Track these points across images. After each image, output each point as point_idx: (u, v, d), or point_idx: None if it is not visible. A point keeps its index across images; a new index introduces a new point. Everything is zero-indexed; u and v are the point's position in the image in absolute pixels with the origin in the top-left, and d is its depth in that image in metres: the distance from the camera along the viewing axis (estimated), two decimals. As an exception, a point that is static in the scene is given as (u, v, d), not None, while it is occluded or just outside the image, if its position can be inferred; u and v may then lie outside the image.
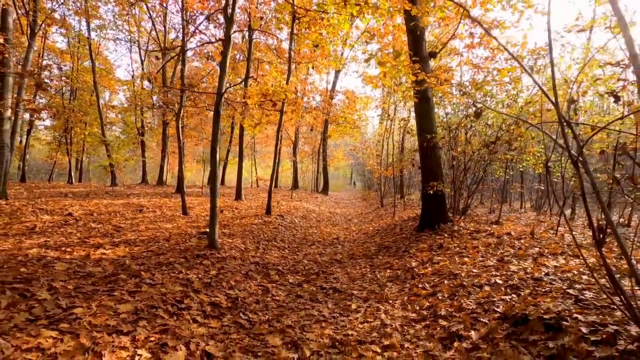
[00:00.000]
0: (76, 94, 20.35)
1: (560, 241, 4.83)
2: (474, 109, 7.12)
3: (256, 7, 10.98)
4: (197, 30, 7.75)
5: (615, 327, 2.21)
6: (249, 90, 7.49)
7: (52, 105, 18.21)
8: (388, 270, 4.85)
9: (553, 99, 2.09)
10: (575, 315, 2.50)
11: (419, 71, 4.52)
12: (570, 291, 2.97)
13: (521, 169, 10.12)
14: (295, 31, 9.82)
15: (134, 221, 6.92)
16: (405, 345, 2.68)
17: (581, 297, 2.82)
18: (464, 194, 8.18)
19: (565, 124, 2.10)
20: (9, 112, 8.33)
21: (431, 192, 6.75)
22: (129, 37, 20.70)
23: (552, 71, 2.21)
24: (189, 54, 16.19)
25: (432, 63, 8.75)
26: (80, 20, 18.90)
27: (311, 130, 22.51)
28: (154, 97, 18.04)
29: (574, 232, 3.05)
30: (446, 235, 6.13)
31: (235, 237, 5.80)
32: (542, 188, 10.08)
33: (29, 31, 14.46)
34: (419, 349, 2.61)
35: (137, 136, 21.73)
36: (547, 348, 2.25)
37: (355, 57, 21.68)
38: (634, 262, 2.18)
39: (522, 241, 5.16)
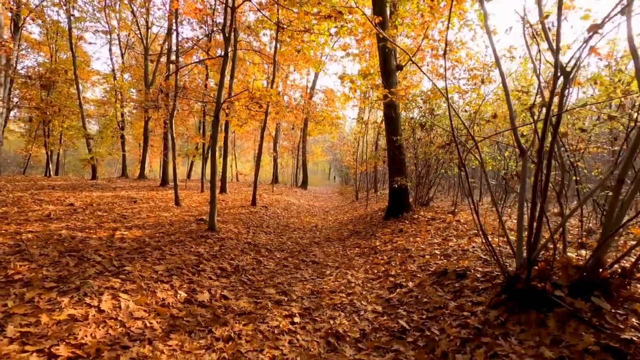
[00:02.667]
0: (54, 86, 20.21)
1: (495, 224, 6.10)
2: (435, 114, 8.39)
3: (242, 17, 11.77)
4: (194, 45, 8.47)
5: (496, 273, 3.40)
6: (240, 95, 8.34)
7: (27, 97, 18.10)
8: (356, 249, 5.99)
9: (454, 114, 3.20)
10: (477, 268, 3.68)
11: (384, 89, 5.63)
12: (482, 255, 4.18)
13: (472, 167, 11.49)
14: (278, 38, 10.74)
15: (134, 210, 7.70)
16: (363, 293, 3.80)
17: (487, 259, 4.03)
18: (425, 188, 9.45)
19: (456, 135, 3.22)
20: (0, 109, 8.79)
21: (396, 186, 7.94)
22: (108, 29, 20.62)
23: (505, 84, 3.33)
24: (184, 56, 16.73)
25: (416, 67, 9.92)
26: (58, 11, 18.85)
27: (292, 128, 23.42)
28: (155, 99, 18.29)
29: (479, 214, 4.18)
30: (407, 222, 7.33)
31: (229, 224, 6.77)
32: (494, 183, 11.46)
33: (12, 27, 14.54)
34: (373, 294, 3.72)
35: (117, 130, 21.82)
36: (454, 287, 3.42)
37: (334, 56, 22.77)
38: (506, 228, 3.37)
39: (466, 226, 6.39)
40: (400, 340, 2.64)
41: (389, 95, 5.71)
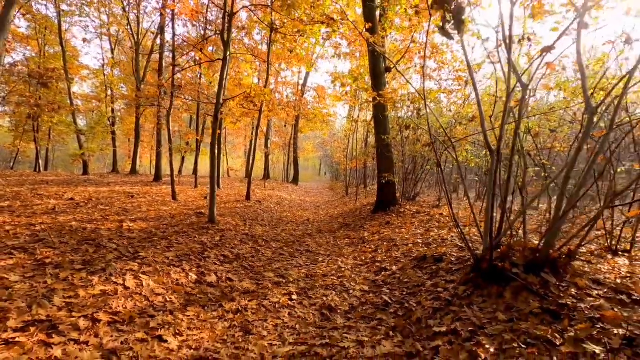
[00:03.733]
0: (43, 80, 20.02)
1: (476, 217, 6.64)
2: (422, 113, 8.90)
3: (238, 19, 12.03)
4: (194, 47, 8.75)
5: (468, 257, 3.90)
6: (239, 96, 8.69)
7: (15, 91, 17.92)
8: (346, 239, 6.47)
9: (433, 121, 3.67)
10: (453, 254, 4.18)
11: (373, 91, 6.08)
12: (458, 243, 4.69)
13: (455, 163, 12.08)
14: (272, 39, 11.07)
15: (134, 205, 8.02)
16: (352, 276, 4.26)
17: (462, 246, 4.53)
18: (411, 184, 9.99)
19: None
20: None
21: (384, 182, 8.44)
22: (98, 24, 20.45)
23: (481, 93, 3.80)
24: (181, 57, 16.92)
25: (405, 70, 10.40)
26: (47, 5, 18.67)
27: (285, 125, 23.75)
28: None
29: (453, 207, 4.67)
30: (394, 215, 7.84)
31: (226, 217, 7.16)
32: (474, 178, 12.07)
33: None
34: (361, 277, 4.20)
35: (108, 126, 21.79)
36: (432, 269, 3.91)
37: (326, 54, 23.12)
38: (477, 219, 3.86)
39: (448, 218, 6.91)
40: (383, 311, 3.11)
41: (377, 98, 6.17)
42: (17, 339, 2.01)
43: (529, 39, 3.52)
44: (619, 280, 2.95)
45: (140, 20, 19.17)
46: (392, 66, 8.53)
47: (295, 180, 25.50)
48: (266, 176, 24.65)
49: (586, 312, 2.38)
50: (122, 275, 3.16)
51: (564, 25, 3.40)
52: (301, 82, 24.60)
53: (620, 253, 4.04)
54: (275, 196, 13.92)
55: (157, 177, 15.86)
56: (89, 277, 2.99)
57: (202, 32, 14.12)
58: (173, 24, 8.86)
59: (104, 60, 22.03)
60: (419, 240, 5.28)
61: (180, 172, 24.27)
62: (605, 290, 2.72)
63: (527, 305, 2.63)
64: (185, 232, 5.29)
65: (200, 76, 15.37)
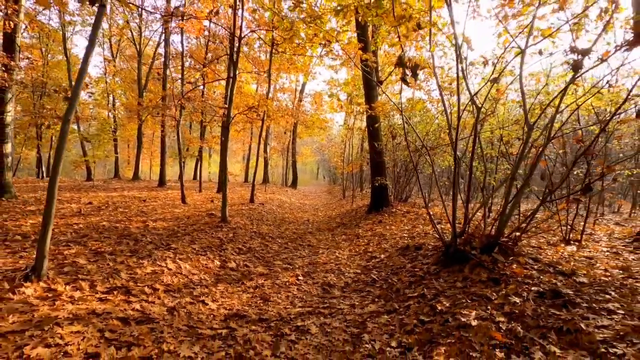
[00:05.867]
0: (46, 89, 20.65)
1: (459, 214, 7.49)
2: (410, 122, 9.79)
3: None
4: (205, 65, 9.59)
5: (441, 245, 4.75)
6: (248, 111, 9.53)
7: (19, 100, 18.49)
8: (343, 236, 7.31)
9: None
10: (430, 243, 5.03)
11: (366, 104, 6.93)
12: (436, 236, 5.53)
13: (443, 167, 12.96)
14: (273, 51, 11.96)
15: (148, 208, 8.80)
16: (348, 263, 5.10)
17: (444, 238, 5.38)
18: (402, 187, 10.86)
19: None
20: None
21: (377, 185, 9.29)
22: (101, 32, 21.15)
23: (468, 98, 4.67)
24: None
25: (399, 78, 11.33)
26: (50, 16, 19.37)
27: (285, 132, 24.61)
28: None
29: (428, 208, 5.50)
30: (386, 215, 8.68)
31: (235, 217, 7.98)
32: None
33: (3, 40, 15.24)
34: (355, 263, 5.03)
35: (111, 132, 22.43)
36: (412, 255, 4.76)
37: (321, 63, 24.07)
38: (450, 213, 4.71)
39: (434, 217, 7.77)
40: (371, 286, 3.95)
41: (369, 111, 7.04)
42: (107, 298, 2.83)
43: (485, 63, 4.40)
44: (555, 259, 3.81)
45: (142, 29, 19.90)
46: (384, 79, 9.41)
47: (294, 184, 26.31)
48: (266, 180, 25.43)
49: (518, 279, 3.23)
50: (164, 260, 3.98)
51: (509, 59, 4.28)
52: (299, 88, 25.51)
53: (572, 242, 4.92)
54: (276, 199, 14.74)
55: (162, 183, 16.59)
56: (139, 261, 3.81)
57: (207, 44, 15.01)
58: (182, 42, 9.69)
59: (105, 68, 22.78)
60: (405, 235, 6.13)
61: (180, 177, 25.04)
62: (539, 265, 3.58)
63: (478, 276, 3.48)
64: (203, 230, 6.10)
65: (204, 87, 16.20)
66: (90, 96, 22.22)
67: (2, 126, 8.20)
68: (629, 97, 3.27)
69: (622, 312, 2.49)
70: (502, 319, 2.63)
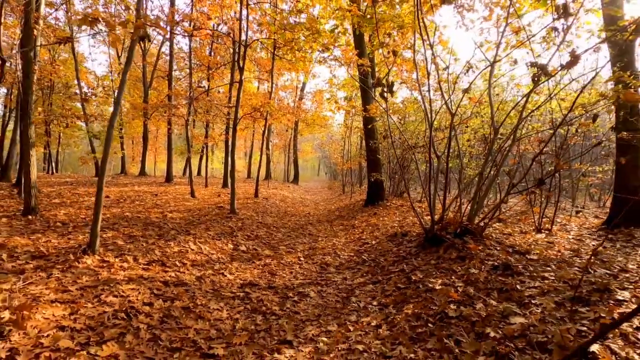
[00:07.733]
0: (53, 87, 21.18)
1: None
2: (404, 121, 10.49)
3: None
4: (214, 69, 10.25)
5: (423, 232, 5.46)
6: (252, 113, 10.24)
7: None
8: (340, 226, 8.04)
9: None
10: (415, 231, 5.75)
11: (362, 106, 7.63)
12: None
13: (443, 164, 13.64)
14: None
15: (161, 201, 9.53)
16: (343, 248, 5.83)
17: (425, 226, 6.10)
18: (397, 182, 11.57)
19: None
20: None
21: (373, 180, 10.00)
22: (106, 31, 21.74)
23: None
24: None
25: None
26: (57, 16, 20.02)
27: (286, 130, 25.29)
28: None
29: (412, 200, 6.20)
30: (381, 208, 9.40)
31: (242, 210, 8.71)
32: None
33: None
34: (349, 248, 5.77)
35: (118, 130, 23.12)
36: (399, 241, 5.48)
37: (323, 59, 24.70)
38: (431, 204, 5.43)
39: (424, 209, 8.48)
40: (361, 265, 4.68)
41: (365, 113, 7.74)
42: (149, 268, 3.56)
43: (471, 68, 5.09)
44: (518, 243, 4.52)
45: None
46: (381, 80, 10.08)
47: (296, 180, 27.05)
48: (268, 176, 26.16)
49: (480, 256, 3.95)
50: (187, 243, 4.71)
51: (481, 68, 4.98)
52: (299, 86, 26.15)
53: (542, 231, 5.64)
54: (279, 194, 15.48)
55: (169, 179, 17.29)
56: (167, 243, 4.55)
57: (211, 45, 15.68)
58: (190, 47, 10.38)
59: (111, 67, 23.40)
60: (395, 224, 6.86)
61: (184, 173, 25.79)
62: (502, 246, 4.30)
63: (449, 255, 4.20)
64: (215, 220, 6.84)
65: (208, 87, 16.88)
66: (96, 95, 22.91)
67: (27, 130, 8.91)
68: (574, 106, 3.98)
69: (553, 277, 3.21)
70: (460, 284, 3.35)
